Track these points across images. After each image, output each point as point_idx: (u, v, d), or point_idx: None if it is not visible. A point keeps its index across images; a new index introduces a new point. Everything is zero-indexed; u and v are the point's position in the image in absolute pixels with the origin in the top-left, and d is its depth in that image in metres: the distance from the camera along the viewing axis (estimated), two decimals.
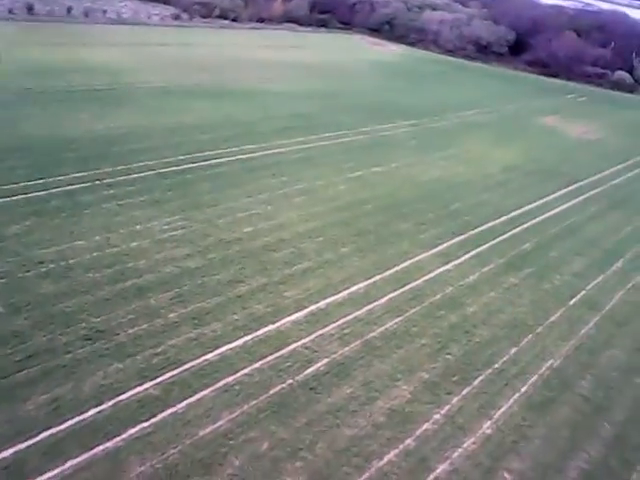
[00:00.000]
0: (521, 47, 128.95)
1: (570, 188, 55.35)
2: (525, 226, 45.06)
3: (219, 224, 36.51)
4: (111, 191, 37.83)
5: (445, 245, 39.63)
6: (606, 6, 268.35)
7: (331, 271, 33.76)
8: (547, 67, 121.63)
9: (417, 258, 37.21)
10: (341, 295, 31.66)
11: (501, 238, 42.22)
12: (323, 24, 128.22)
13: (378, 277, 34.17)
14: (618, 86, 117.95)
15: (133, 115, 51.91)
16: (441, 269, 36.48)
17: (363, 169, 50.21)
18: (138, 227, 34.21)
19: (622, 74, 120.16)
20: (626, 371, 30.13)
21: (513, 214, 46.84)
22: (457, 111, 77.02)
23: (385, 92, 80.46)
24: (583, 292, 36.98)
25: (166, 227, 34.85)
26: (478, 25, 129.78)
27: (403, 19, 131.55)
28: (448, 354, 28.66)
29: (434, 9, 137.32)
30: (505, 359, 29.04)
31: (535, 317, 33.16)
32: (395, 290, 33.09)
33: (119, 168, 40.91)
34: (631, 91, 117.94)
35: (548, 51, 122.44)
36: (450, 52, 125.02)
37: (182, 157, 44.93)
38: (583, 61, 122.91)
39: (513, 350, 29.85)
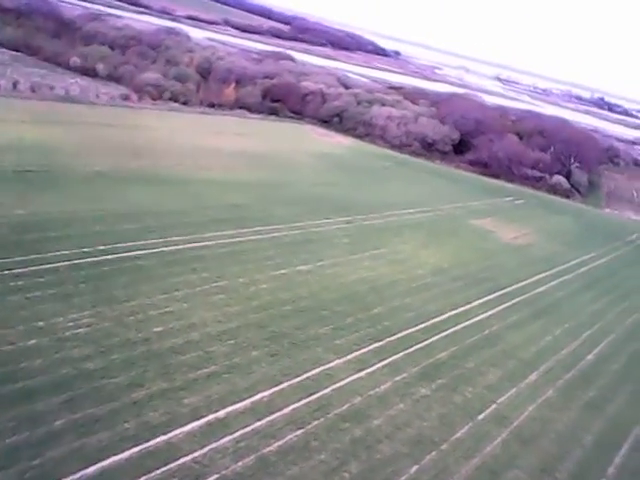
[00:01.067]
0: (465, 146, 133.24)
1: (494, 295, 56.11)
2: (444, 334, 45.27)
3: (128, 322, 35.71)
4: (19, 282, 36.87)
5: (360, 352, 39.44)
6: (551, 110, 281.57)
7: (237, 377, 33.13)
8: (488, 167, 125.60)
9: (329, 365, 36.88)
10: (243, 404, 31.00)
11: (419, 346, 42.26)
12: (274, 112, 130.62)
13: (286, 384, 33.65)
14: (555, 190, 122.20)
15: (60, 200, 51.33)
16: (352, 377, 36.17)
17: (289, 267, 50.16)
18: (41, 323, 33.22)
19: (559, 179, 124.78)
20: None
21: (434, 320, 47.09)
22: (394, 209, 78.21)
23: (325, 186, 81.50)
24: (493, 406, 37.02)
25: (71, 324, 33.93)
26: (424, 123, 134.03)
27: (352, 112, 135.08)
28: (345, 472, 28.08)
29: (383, 104, 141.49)
30: (403, 478, 28.50)
31: (441, 432, 32.90)
32: (301, 399, 32.56)
33: (32, 257, 40.04)
34: (567, 196, 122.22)
35: (490, 152, 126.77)
36: (396, 147, 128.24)
37: (102, 247, 44.29)
38: (523, 163, 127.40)
39: (414, 468, 29.45)
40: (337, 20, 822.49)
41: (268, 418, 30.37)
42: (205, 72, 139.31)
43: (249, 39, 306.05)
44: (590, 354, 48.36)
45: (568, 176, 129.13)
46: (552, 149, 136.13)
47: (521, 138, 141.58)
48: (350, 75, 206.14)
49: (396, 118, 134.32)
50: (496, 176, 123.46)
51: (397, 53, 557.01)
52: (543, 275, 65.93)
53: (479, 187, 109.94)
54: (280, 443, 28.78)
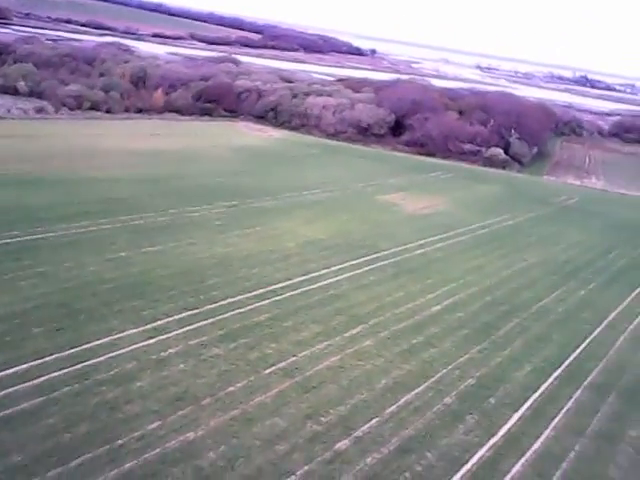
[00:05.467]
0: (402, 128, 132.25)
1: (361, 260, 55.04)
2: (278, 298, 44.27)
3: None
4: None
5: (165, 320, 38.44)
6: (527, 91, 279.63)
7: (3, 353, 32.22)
8: (424, 146, 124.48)
9: (120, 335, 35.95)
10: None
11: (237, 311, 41.23)
12: (208, 113, 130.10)
13: (56, 356, 32.70)
14: (491, 163, 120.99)
15: None
16: (139, 344, 35.25)
17: (132, 250, 49.27)
18: None
19: (495, 150, 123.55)
20: None
21: (274, 287, 46.05)
22: (298, 191, 77.31)
23: (231, 175, 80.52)
24: (291, 359, 36.01)
25: None
26: (360, 109, 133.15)
27: (287, 106, 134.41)
28: (69, 433, 27.08)
29: (320, 95, 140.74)
30: (137, 434, 27.58)
31: (211, 388, 31.98)
32: (62, 369, 31.60)
33: None
34: (503, 167, 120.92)
35: (424, 131, 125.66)
36: (331, 135, 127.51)
37: None
38: (460, 139, 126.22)
39: (154, 425, 28.48)
40: (315, 25, 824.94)
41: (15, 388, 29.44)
42: (139, 81, 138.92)
43: (214, 50, 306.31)
44: (438, 305, 47.14)
45: (507, 147, 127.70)
46: (492, 122, 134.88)
47: (462, 114, 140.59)
48: (315, 75, 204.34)
49: (331, 107, 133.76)
50: (432, 154, 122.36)
51: (373, 51, 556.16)
52: (432, 239, 64.73)
53: (407, 166, 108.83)
54: (17, 408, 27.90)
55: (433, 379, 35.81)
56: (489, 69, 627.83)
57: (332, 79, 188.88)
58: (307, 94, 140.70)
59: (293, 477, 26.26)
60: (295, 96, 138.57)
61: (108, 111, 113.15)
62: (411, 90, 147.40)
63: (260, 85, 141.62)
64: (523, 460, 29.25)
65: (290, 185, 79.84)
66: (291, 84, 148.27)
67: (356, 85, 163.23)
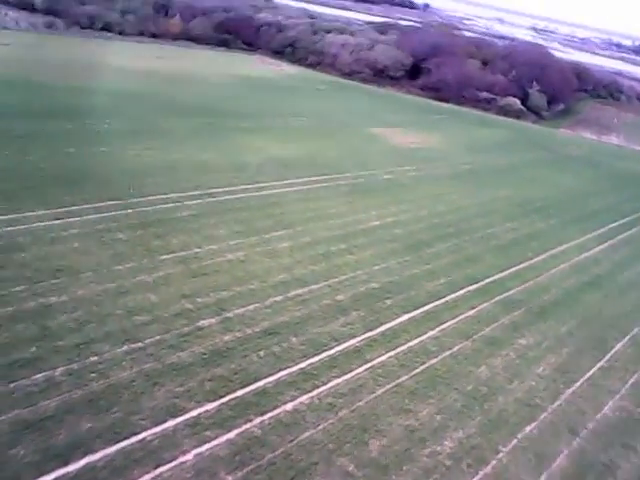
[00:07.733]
0: (420, 72, 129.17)
1: (318, 177, 54.13)
2: (211, 200, 44.15)
3: None
4: None
5: (81, 207, 38.43)
6: (577, 56, 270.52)
7: None
8: (438, 91, 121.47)
9: (28, 213, 36.05)
10: None
11: (162, 206, 41.03)
12: (225, 44, 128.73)
13: None
14: (505, 111, 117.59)
15: None
16: (44, 223, 35.32)
17: (83, 148, 49.34)
18: None
19: (511, 100, 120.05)
20: None
21: (212, 190, 45.96)
22: (283, 117, 76.09)
23: (220, 99, 79.41)
24: (194, 250, 35.61)
25: None
26: (379, 50, 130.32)
27: (306, 42, 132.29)
28: None
29: (342, 33, 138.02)
30: (16, 289, 27.55)
31: (96, 266, 31.69)
32: None
33: None
34: (518, 117, 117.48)
35: (440, 75, 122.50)
36: (346, 75, 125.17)
37: None
38: (476, 87, 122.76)
39: (22, 287, 28.34)
40: None
41: None
42: (161, 8, 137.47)
43: None
44: (378, 221, 46.20)
45: (525, 98, 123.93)
46: (513, 72, 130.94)
47: (485, 63, 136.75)
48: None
49: (350, 46, 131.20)
50: (445, 100, 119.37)
51: (426, 5, 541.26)
52: (406, 168, 63.28)
53: (413, 107, 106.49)
54: None
55: (335, 280, 35.09)
56: (544, 31, 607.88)
57: (361, 22, 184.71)
58: (328, 31, 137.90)
59: (140, 344, 25.91)
60: (315, 33, 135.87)
61: (121, 33, 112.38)
62: (434, 35, 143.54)
63: (282, 19, 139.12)
64: (392, 353, 28.55)
65: (277, 112, 78.69)
66: (313, 20, 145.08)
67: (384, 29, 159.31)
